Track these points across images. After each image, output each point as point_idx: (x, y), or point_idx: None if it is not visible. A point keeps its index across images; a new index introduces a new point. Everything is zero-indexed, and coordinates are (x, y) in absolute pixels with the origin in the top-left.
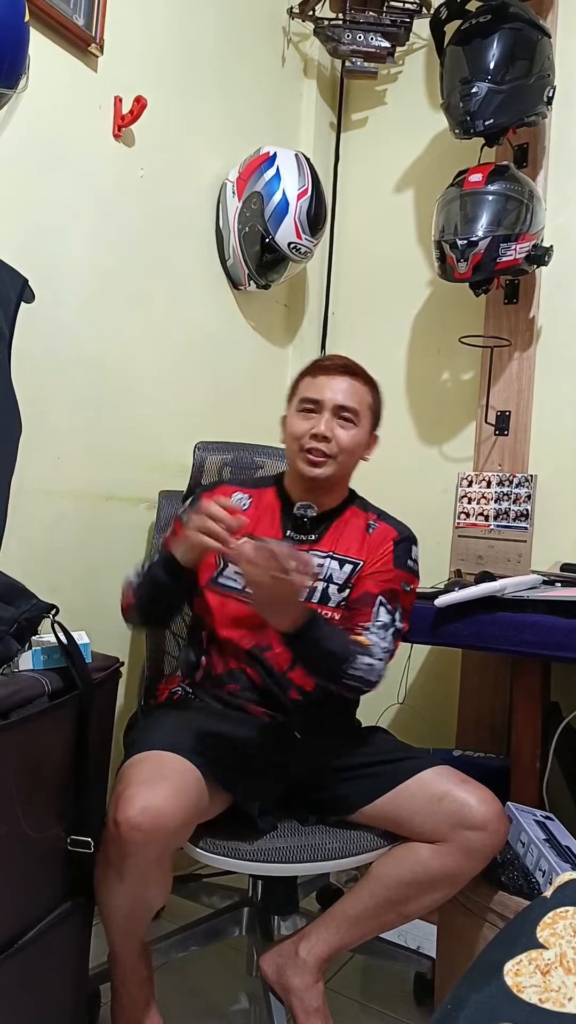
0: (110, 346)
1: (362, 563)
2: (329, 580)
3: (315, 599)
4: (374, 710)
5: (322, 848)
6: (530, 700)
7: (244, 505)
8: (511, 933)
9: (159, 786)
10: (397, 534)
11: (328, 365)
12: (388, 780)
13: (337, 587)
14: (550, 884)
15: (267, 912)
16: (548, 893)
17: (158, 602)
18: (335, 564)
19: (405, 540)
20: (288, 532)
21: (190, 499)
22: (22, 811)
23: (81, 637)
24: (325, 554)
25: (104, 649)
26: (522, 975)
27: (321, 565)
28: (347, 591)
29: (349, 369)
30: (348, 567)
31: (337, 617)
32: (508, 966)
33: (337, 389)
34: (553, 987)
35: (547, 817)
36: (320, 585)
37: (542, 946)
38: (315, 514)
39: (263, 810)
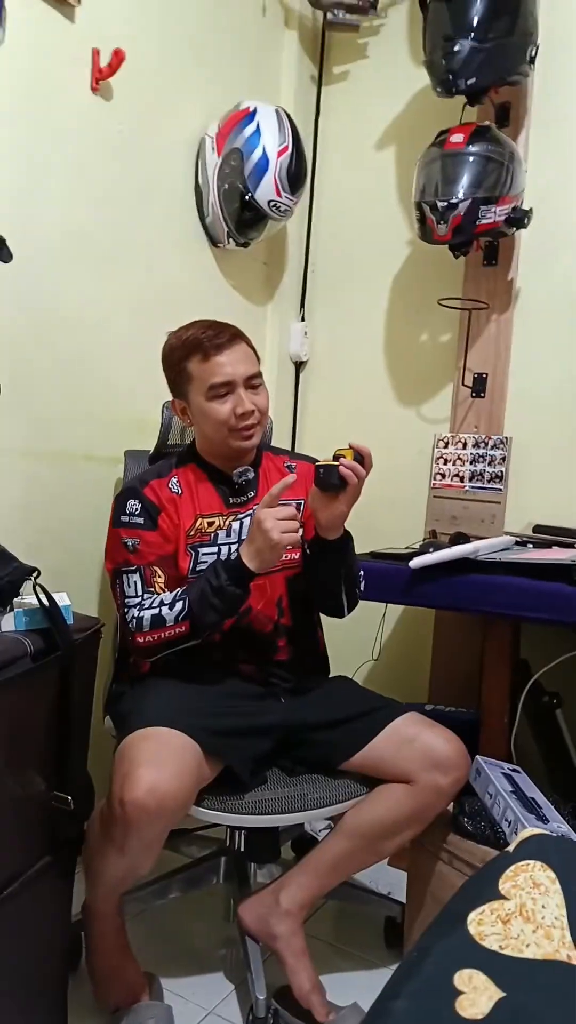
0: (86, 304)
1: (303, 501)
2: None
3: None
4: (350, 667)
5: (309, 798)
6: (500, 658)
7: (179, 489)
8: (475, 885)
9: (164, 767)
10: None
11: (219, 342)
12: (366, 732)
13: None
14: (515, 834)
15: (246, 861)
16: (511, 848)
17: (226, 619)
18: None
19: None
20: (229, 499)
21: (128, 499)
22: (5, 769)
23: (62, 599)
24: None
25: (80, 605)
26: (484, 924)
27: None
28: (300, 530)
29: (235, 335)
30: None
31: (297, 556)
32: (472, 916)
33: (238, 362)
34: (512, 935)
35: (514, 770)
36: None
37: (504, 897)
38: (252, 475)
39: (253, 767)
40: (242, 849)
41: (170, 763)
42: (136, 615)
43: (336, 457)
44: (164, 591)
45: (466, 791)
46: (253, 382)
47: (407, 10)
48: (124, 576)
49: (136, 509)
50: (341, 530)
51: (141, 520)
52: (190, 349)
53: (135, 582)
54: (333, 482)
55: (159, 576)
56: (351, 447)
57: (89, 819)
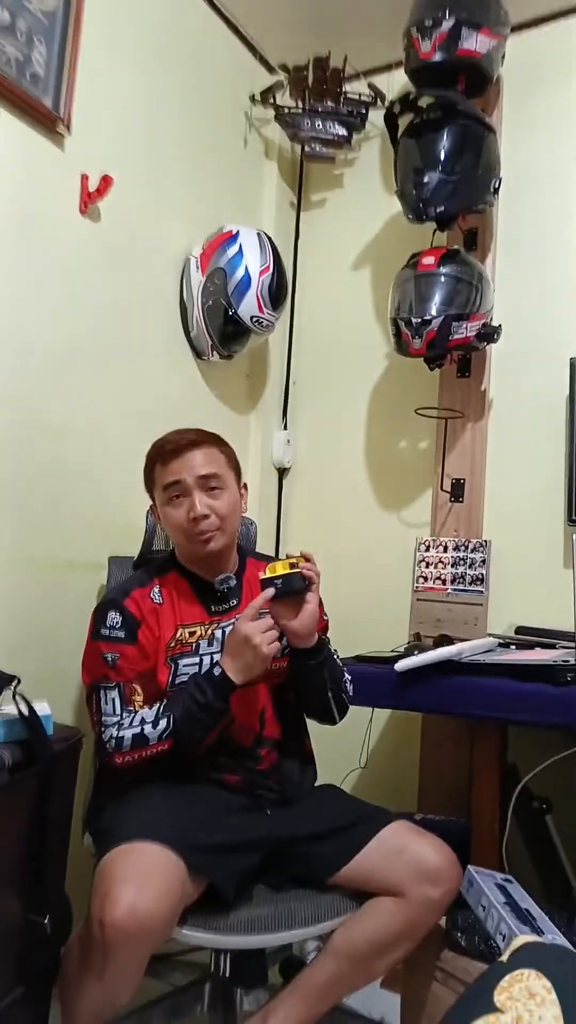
0: (72, 413)
1: None
2: None
3: None
4: (337, 774)
5: (298, 915)
6: (488, 763)
7: (160, 598)
8: (470, 998)
9: (146, 885)
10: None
11: (174, 447)
12: (354, 843)
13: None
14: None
15: (232, 987)
16: (504, 957)
17: (211, 733)
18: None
19: None
20: (211, 607)
21: (109, 610)
22: None
23: (43, 708)
24: None
25: (61, 714)
26: None
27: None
28: (284, 638)
29: (195, 442)
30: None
31: (285, 665)
32: None
33: (193, 464)
34: None
35: (506, 880)
36: None
37: (499, 1010)
38: (235, 582)
39: (238, 884)
40: (227, 974)
41: (152, 881)
42: (115, 735)
43: (291, 566)
44: (143, 708)
45: (459, 904)
46: (211, 485)
47: (379, 144)
48: (102, 692)
49: (117, 622)
50: (316, 631)
51: (122, 634)
52: (154, 454)
53: (113, 699)
54: (297, 587)
55: (138, 694)
56: (289, 555)
57: (66, 945)
